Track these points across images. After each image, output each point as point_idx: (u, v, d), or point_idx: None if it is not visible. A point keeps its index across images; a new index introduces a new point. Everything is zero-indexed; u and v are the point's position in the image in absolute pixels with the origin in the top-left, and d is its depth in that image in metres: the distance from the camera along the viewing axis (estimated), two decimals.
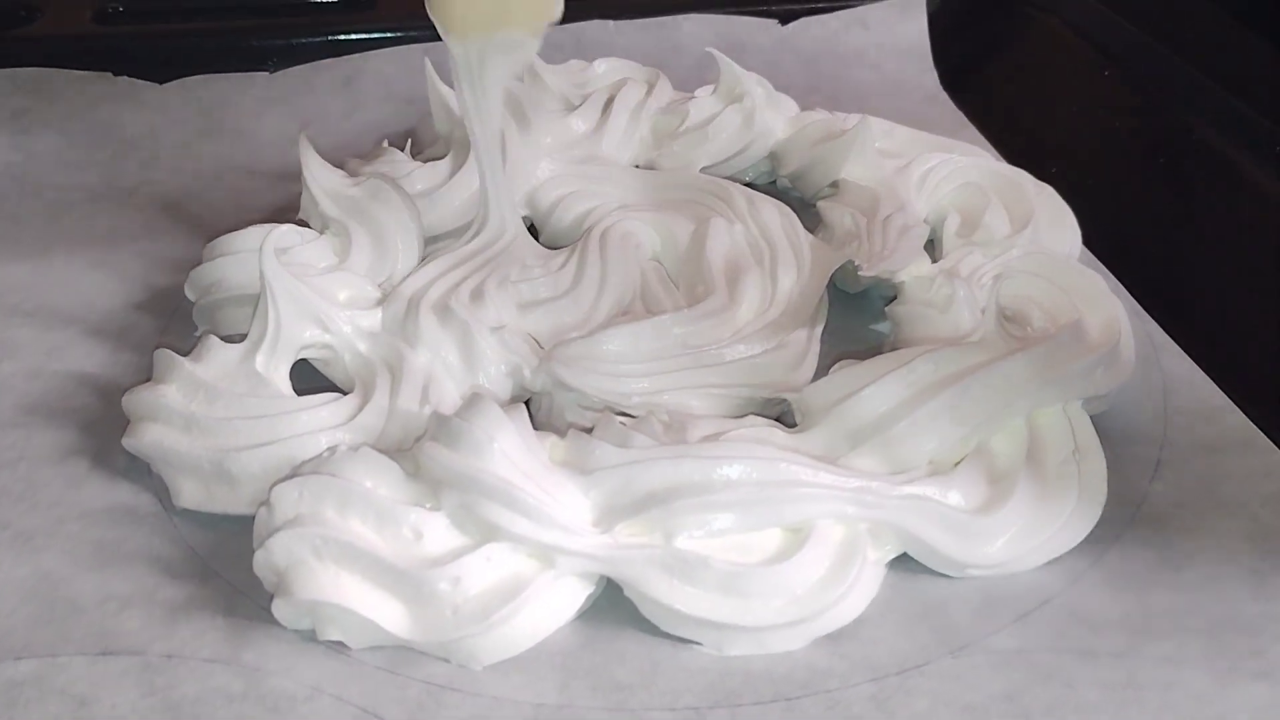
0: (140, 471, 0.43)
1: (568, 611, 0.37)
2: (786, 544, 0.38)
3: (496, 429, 0.37)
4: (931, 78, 0.68)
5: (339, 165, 0.54)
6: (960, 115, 0.65)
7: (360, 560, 0.36)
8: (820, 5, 0.70)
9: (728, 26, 0.68)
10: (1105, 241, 0.55)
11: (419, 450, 0.38)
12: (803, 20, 0.69)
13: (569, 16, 0.67)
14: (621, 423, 0.40)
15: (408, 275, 0.48)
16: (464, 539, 0.37)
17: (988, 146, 0.62)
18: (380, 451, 0.39)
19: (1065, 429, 0.42)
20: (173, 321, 0.51)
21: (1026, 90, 0.66)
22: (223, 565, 0.40)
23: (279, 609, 0.37)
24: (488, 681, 0.36)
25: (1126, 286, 0.53)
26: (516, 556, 0.37)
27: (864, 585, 0.38)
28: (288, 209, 0.55)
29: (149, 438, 0.42)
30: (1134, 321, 0.50)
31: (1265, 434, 0.45)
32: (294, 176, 0.57)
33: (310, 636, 0.37)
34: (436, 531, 0.37)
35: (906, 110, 0.66)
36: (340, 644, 0.37)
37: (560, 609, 0.37)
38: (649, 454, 0.38)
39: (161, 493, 0.42)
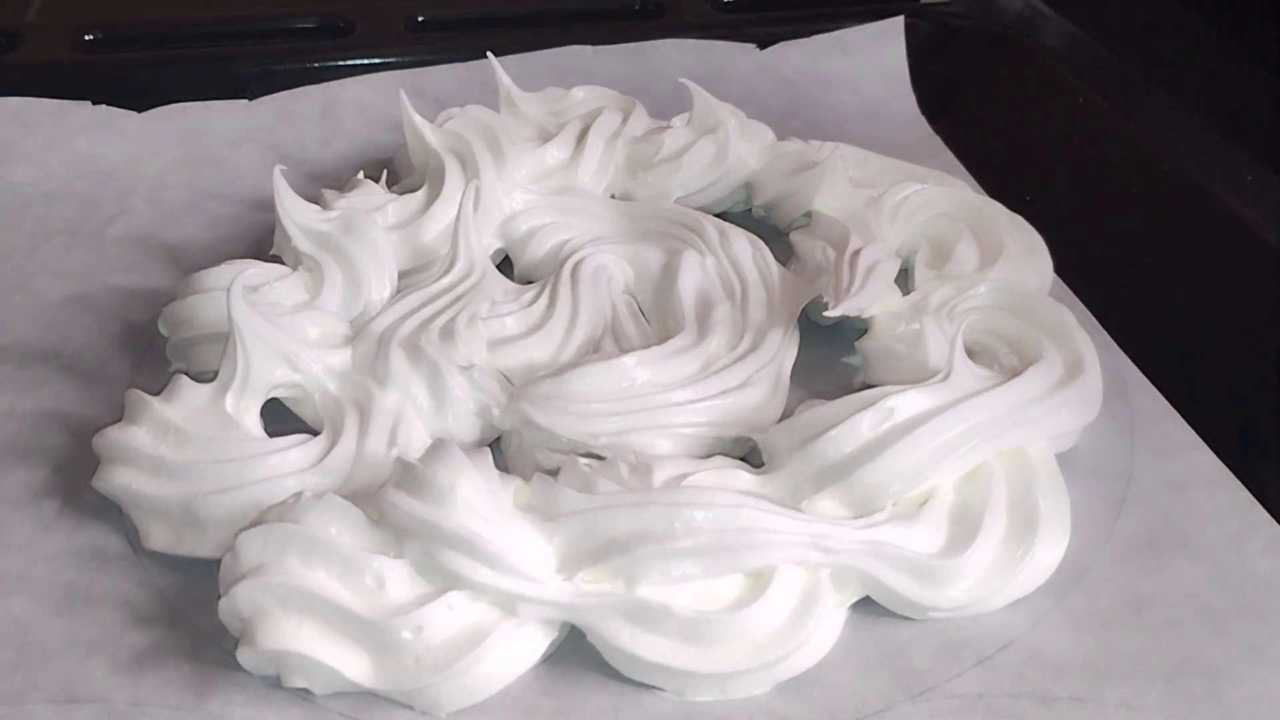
0: (112, 512, 0.43)
1: (530, 658, 0.38)
2: (748, 590, 0.38)
3: (459, 476, 0.38)
4: (910, 102, 0.68)
5: (314, 197, 0.55)
6: (938, 140, 0.65)
7: (323, 609, 0.36)
8: (800, 29, 0.70)
9: (707, 51, 0.68)
10: (1079, 270, 0.55)
11: (382, 497, 0.38)
12: (781, 45, 0.69)
13: (545, 42, 0.68)
14: (587, 465, 0.41)
15: (379, 312, 0.48)
16: (426, 586, 0.37)
17: (964, 172, 0.63)
18: (346, 497, 0.40)
19: (1030, 468, 0.42)
20: (147, 357, 0.51)
21: (1004, 115, 0.66)
22: (190, 610, 0.40)
23: (243, 656, 0.37)
24: None
25: (1098, 317, 0.53)
26: (478, 604, 0.37)
27: (825, 630, 0.38)
28: (266, 239, 0.55)
29: (118, 480, 0.42)
30: (1103, 355, 0.50)
31: (1231, 469, 0.46)
32: (272, 206, 0.58)
33: (276, 683, 0.37)
34: (399, 579, 0.37)
35: (884, 135, 0.66)
36: (306, 691, 0.37)
37: (523, 656, 0.37)
38: (612, 500, 0.38)
39: (131, 534, 0.43)
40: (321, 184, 0.60)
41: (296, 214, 0.51)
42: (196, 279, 0.49)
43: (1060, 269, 0.55)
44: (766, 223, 0.58)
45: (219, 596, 0.38)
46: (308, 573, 0.37)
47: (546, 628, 0.38)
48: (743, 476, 0.42)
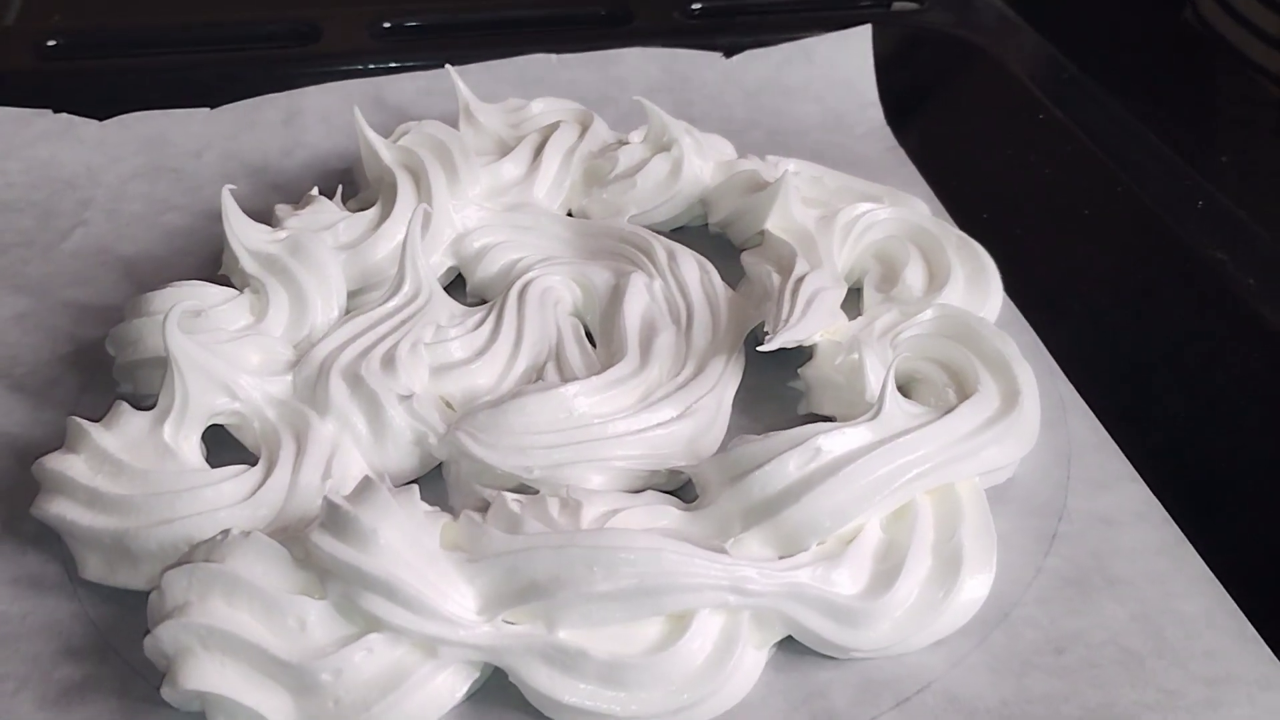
0: (51, 538, 0.44)
1: (451, 699, 0.38)
2: (668, 633, 0.38)
3: (382, 519, 0.38)
4: (875, 112, 0.68)
5: (267, 211, 0.55)
6: (901, 153, 0.65)
7: (245, 650, 0.37)
8: (769, 37, 0.69)
9: (672, 60, 0.68)
10: (1028, 292, 0.56)
11: (306, 538, 0.38)
12: (747, 53, 0.68)
13: (512, 49, 0.68)
14: (517, 501, 0.41)
15: (324, 336, 0.49)
16: (348, 628, 0.38)
17: (925, 187, 0.62)
18: (277, 531, 0.40)
19: (957, 506, 0.43)
20: (96, 377, 0.51)
21: (966, 129, 0.65)
22: (121, 643, 0.40)
23: (167, 694, 0.37)
24: None
25: (1046, 340, 0.53)
26: (399, 647, 0.37)
27: (744, 673, 0.39)
28: (221, 254, 0.56)
29: (54, 509, 0.43)
30: (1047, 381, 0.50)
31: (1165, 502, 0.46)
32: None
33: (203, 719, 0.38)
34: (321, 621, 0.38)
35: (846, 146, 0.66)
36: None
37: (444, 697, 0.38)
38: (533, 542, 0.39)
39: (69, 562, 0.43)
40: (282, 194, 0.61)
41: (244, 235, 0.51)
42: (142, 301, 0.50)
43: (1011, 290, 0.55)
44: (723, 238, 0.58)
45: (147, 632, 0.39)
46: (231, 613, 0.38)
47: (468, 668, 0.38)
48: (671, 513, 0.42)
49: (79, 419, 0.45)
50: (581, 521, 0.40)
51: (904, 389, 0.49)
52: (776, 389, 0.51)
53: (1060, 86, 0.63)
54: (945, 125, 0.66)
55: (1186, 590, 0.42)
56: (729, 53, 0.68)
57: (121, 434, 0.44)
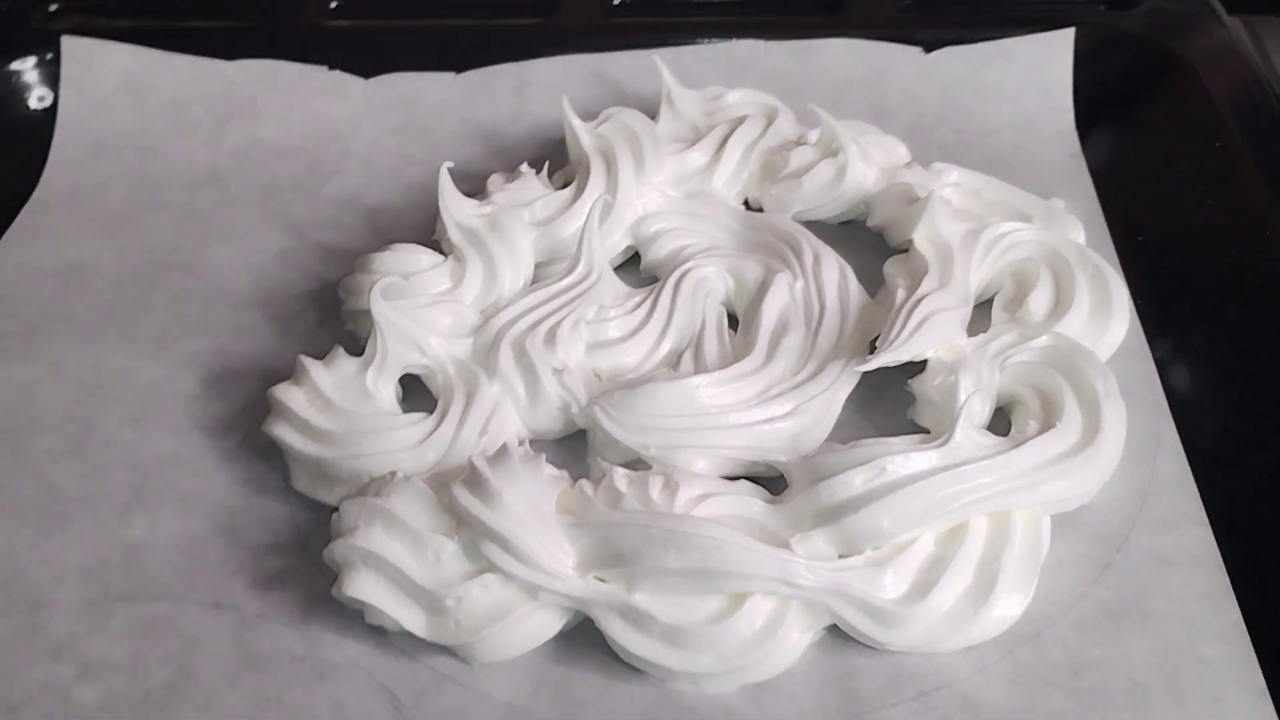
0: (276, 451, 0.55)
1: (547, 633, 0.47)
2: (725, 608, 0.46)
3: (508, 483, 0.47)
4: (1066, 117, 0.69)
5: (489, 173, 0.65)
6: (1081, 161, 0.67)
7: (392, 572, 0.47)
8: (974, 34, 0.72)
9: (872, 52, 0.72)
10: (1162, 320, 0.58)
11: (449, 488, 0.48)
12: (947, 50, 0.71)
13: (729, 32, 0.74)
14: (626, 477, 0.49)
15: (507, 304, 0.58)
16: (472, 566, 0.47)
17: (1094, 201, 0.65)
18: (432, 478, 0.50)
19: (1009, 532, 0.48)
20: (330, 314, 0.61)
21: (1149, 145, 0.66)
22: (315, 545, 0.51)
23: (336, 594, 0.48)
24: (478, 678, 0.47)
25: (1167, 373, 0.56)
26: (509, 587, 0.47)
27: (785, 650, 0.46)
28: None
29: (277, 431, 0.54)
30: (1146, 415, 0.53)
31: (1228, 548, 0.49)
32: (462, 176, 0.68)
33: (361, 616, 0.49)
34: (452, 558, 0.47)
35: (1029, 149, 0.69)
36: (380, 627, 0.48)
37: (540, 630, 0.47)
38: (625, 518, 0.47)
39: (286, 473, 0.55)
40: (505, 158, 0.70)
41: (454, 209, 0.60)
42: (366, 260, 0.60)
43: (1146, 317, 0.58)
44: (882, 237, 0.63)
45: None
46: (387, 541, 0.48)
47: (562, 612, 0.47)
48: (756, 504, 0.49)
49: (304, 357, 0.56)
50: (676, 502, 0.48)
51: (1004, 409, 0.54)
52: (895, 392, 0.56)
53: (1253, 115, 0.63)
54: (1131, 137, 0.68)
55: (1215, 636, 0.46)
56: (930, 48, 0.72)
57: (334, 374, 0.55)
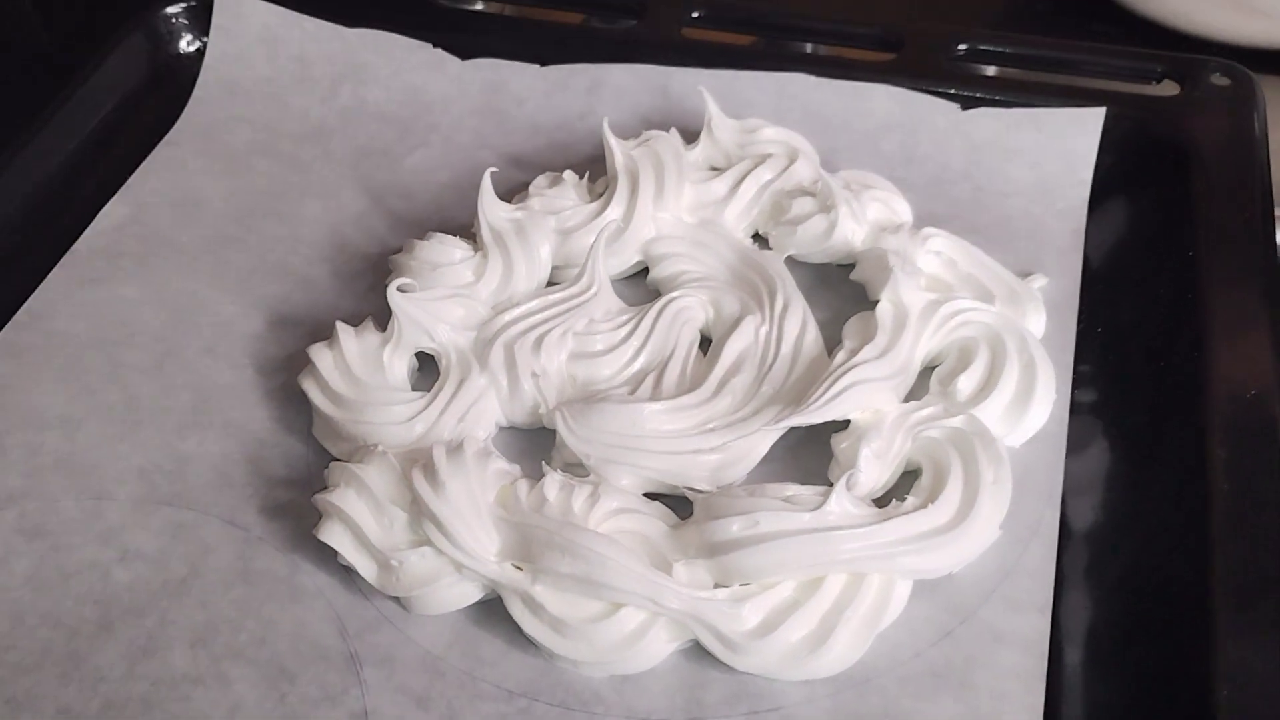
0: (306, 398, 0.67)
1: (467, 600, 0.58)
2: (603, 611, 0.55)
3: (454, 475, 0.57)
4: (1082, 191, 0.74)
5: (549, 167, 0.74)
6: (1080, 238, 0.72)
7: (356, 529, 0.58)
8: (1010, 99, 0.76)
9: (912, 102, 0.76)
10: (1091, 417, 0.64)
11: (410, 469, 0.59)
12: (982, 110, 0.76)
13: (782, 65, 0.80)
14: (558, 482, 0.59)
15: (514, 305, 0.67)
16: (415, 536, 0.58)
17: (1076, 279, 0.70)
18: (408, 453, 0.60)
19: (862, 592, 0.55)
20: (384, 280, 0.72)
21: (1138, 237, 0.71)
22: (317, 487, 0.63)
23: (316, 533, 0.60)
24: (410, 625, 0.58)
25: (1071, 467, 0.62)
26: (441, 559, 0.57)
27: (650, 654, 0.55)
28: (510, 194, 0.74)
29: (306, 384, 0.65)
30: (1035, 502, 0.60)
31: (1058, 640, 0.56)
32: (525, 164, 0.77)
33: (335, 556, 0.60)
34: (402, 527, 0.58)
35: (1037, 216, 0.74)
36: (348, 568, 0.60)
37: (462, 598, 0.57)
38: (539, 522, 0.56)
39: (310, 420, 0.66)
40: (566, 154, 0.79)
41: (488, 210, 0.70)
42: (410, 245, 0.70)
43: (1080, 408, 0.64)
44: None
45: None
46: (357, 503, 0.59)
47: (480, 585, 0.58)
48: (657, 527, 0.58)
49: (341, 323, 0.66)
50: (593, 513, 0.58)
51: (908, 473, 0.61)
52: (825, 442, 0.63)
53: (1234, 235, 0.67)
54: (1127, 225, 0.72)
55: (1012, 713, 0.53)
56: (967, 104, 0.76)
57: (360, 344, 0.66)
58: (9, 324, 0.71)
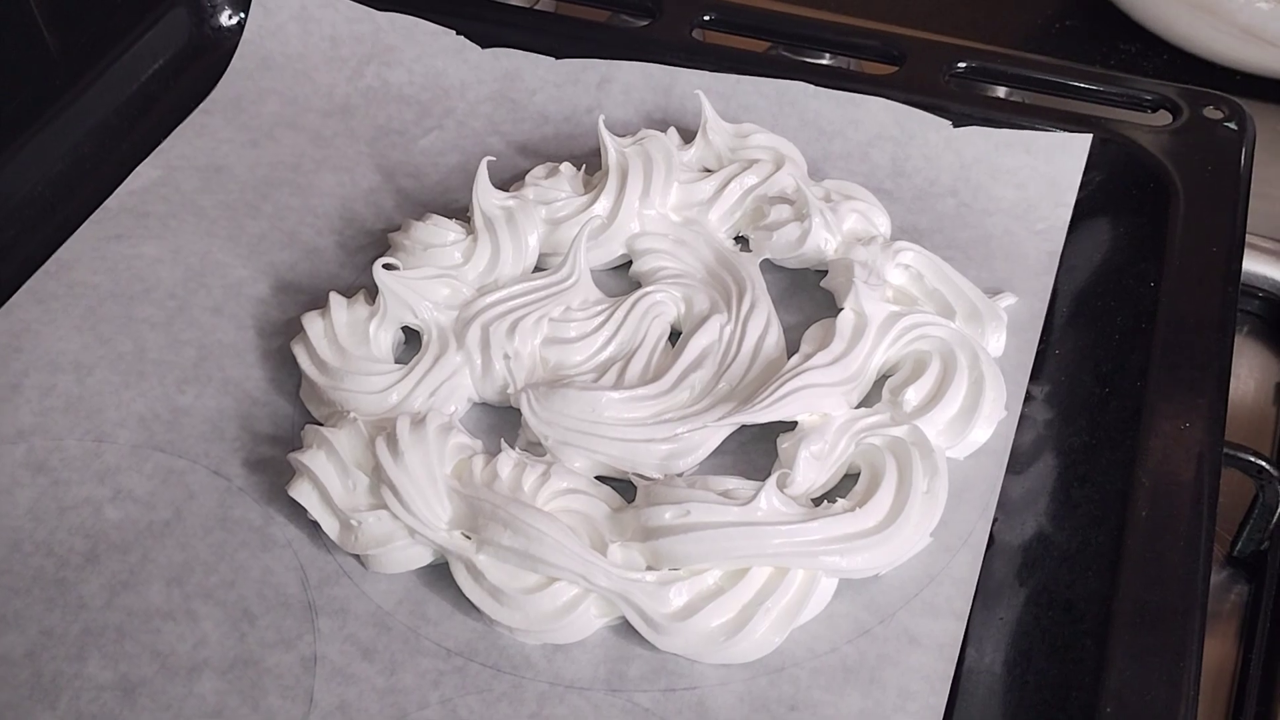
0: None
1: (419, 562, 0.62)
2: (538, 584, 0.59)
3: (413, 446, 0.61)
4: (1063, 213, 0.75)
5: (553, 157, 0.77)
6: (1055, 260, 0.74)
7: (322, 489, 0.62)
8: (1004, 119, 0.78)
9: (905, 116, 0.78)
10: (1037, 435, 0.66)
11: (375, 438, 0.63)
12: (973, 128, 0.78)
13: (782, 71, 0.82)
14: (512, 459, 0.63)
15: (497, 289, 0.71)
16: (374, 500, 0.62)
17: (1045, 301, 0.72)
18: (379, 421, 0.64)
19: (787, 583, 0.59)
20: (383, 255, 0.77)
21: (1109, 265, 0.72)
22: (297, 447, 0.67)
23: (289, 490, 0.64)
24: (365, 581, 0.62)
25: (1009, 483, 0.64)
26: (396, 523, 0.61)
27: (579, 626, 0.59)
28: (513, 181, 0.78)
29: (296, 350, 0.69)
30: (969, 514, 0.62)
31: (969, 648, 0.59)
32: (531, 153, 0.81)
33: (305, 511, 0.64)
34: (363, 490, 0.62)
35: (1016, 235, 0.75)
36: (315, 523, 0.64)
37: (413, 560, 0.62)
38: (487, 496, 0.60)
39: (299, 383, 0.71)
40: (572, 144, 0.82)
41: (482, 196, 0.73)
42: (407, 224, 0.74)
43: (1026, 426, 0.66)
44: None
45: None
46: (325, 464, 0.63)
47: (431, 550, 0.62)
48: (601, 508, 0.62)
49: (334, 294, 0.71)
50: (542, 491, 0.61)
51: (851, 476, 0.64)
52: (774, 441, 0.66)
53: (1193, 264, 0.68)
54: (1106, 250, 0.74)
55: (914, 712, 0.56)
56: (959, 122, 0.78)
57: (350, 314, 0.70)
58: (38, 271, 0.76)
